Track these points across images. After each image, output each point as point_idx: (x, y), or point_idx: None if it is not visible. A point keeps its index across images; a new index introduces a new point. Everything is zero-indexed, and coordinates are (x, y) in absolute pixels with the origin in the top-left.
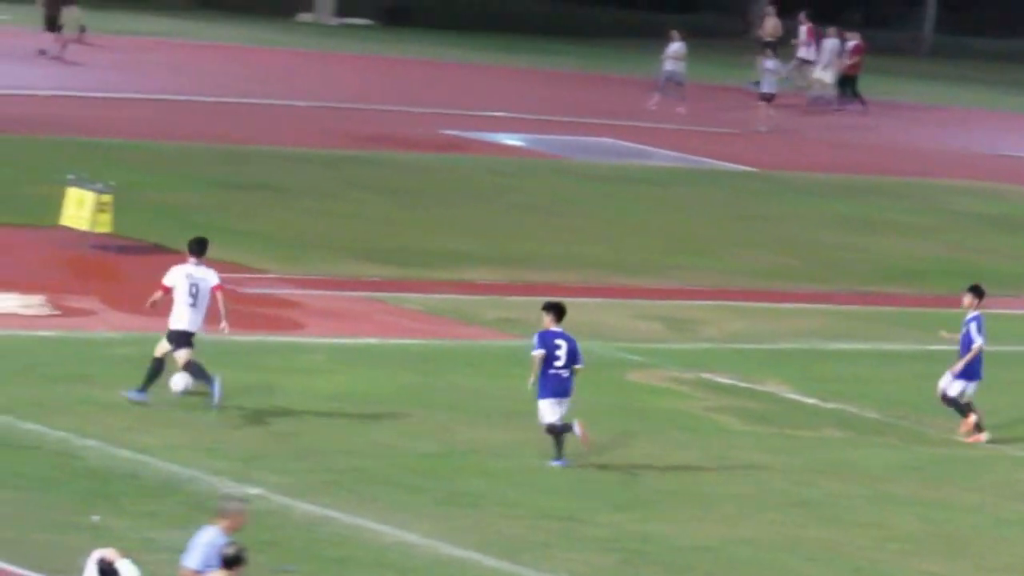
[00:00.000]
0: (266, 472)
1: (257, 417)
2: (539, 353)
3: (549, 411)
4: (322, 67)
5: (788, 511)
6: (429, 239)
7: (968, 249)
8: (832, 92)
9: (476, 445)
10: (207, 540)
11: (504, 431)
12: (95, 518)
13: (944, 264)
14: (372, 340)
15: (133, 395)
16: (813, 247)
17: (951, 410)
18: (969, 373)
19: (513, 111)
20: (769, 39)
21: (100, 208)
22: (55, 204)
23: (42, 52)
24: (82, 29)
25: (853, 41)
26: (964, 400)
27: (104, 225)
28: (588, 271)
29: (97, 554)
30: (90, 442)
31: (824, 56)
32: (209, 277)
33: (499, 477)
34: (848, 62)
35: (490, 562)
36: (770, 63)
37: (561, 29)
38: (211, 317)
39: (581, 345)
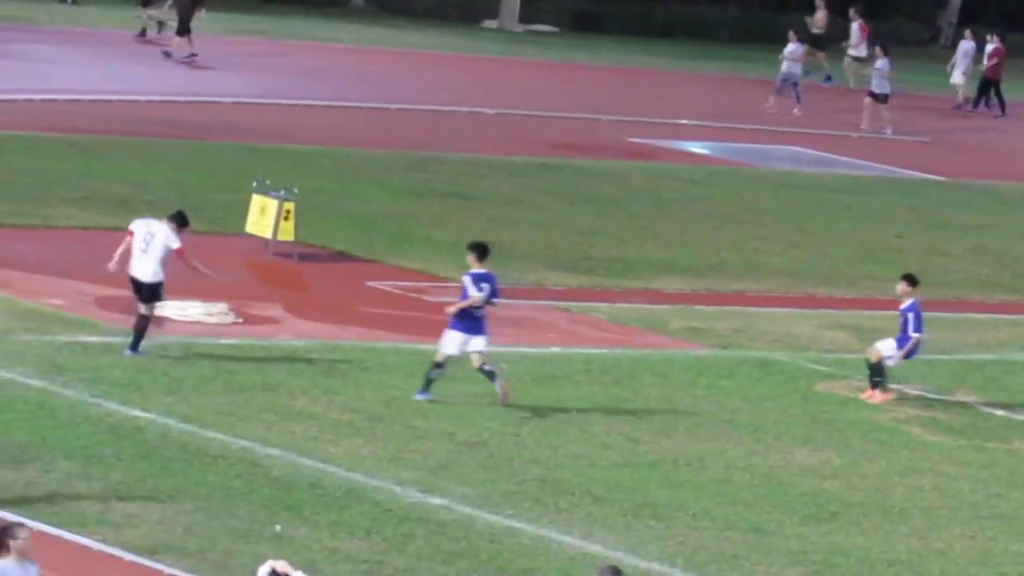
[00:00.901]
0: (451, 482)
1: (441, 427)
2: (480, 296)
3: (452, 343)
4: (508, 74)
5: (979, 524)
6: (615, 247)
7: None
8: (969, 95)
9: (662, 455)
10: None
11: (691, 441)
12: (277, 527)
13: None
14: (557, 349)
15: (129, 353)
16: (1006, 257)
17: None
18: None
19: (700, 119)
20: (818, 31)
21: (283, 216)
22: (241, 211)
23: (167, 55)
24: (159, 29)
25: (992, 44)
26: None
27: (287, 233)
28: (776, 280)
29: (269, 564)
30: (273, 451)
31: (959, 59)
32: (171, 240)
33: (685, 488)
34: (988, 64)
35: (677, 574)
36: (880, 63)
37: (750, 36)
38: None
39: (769, 356)
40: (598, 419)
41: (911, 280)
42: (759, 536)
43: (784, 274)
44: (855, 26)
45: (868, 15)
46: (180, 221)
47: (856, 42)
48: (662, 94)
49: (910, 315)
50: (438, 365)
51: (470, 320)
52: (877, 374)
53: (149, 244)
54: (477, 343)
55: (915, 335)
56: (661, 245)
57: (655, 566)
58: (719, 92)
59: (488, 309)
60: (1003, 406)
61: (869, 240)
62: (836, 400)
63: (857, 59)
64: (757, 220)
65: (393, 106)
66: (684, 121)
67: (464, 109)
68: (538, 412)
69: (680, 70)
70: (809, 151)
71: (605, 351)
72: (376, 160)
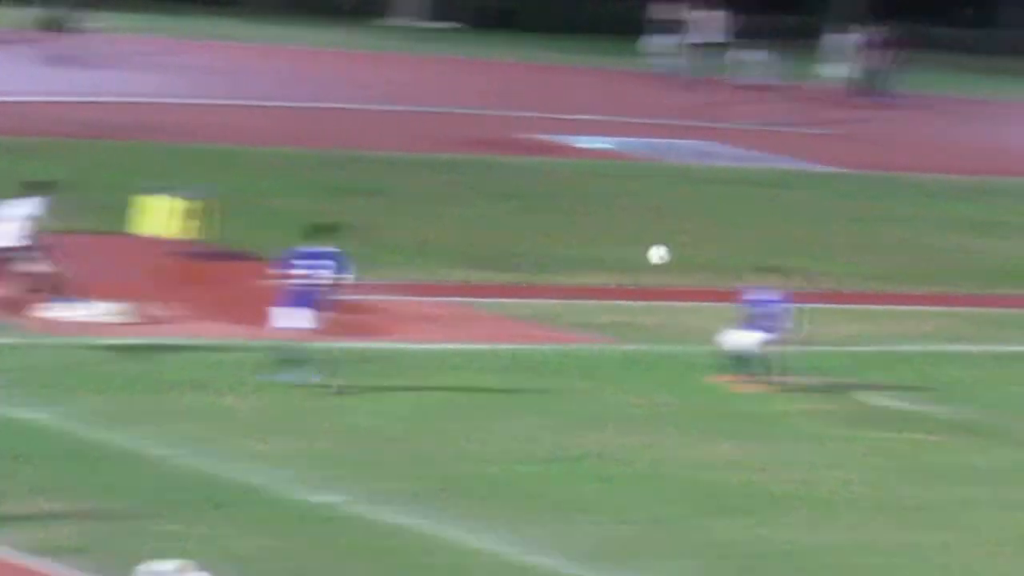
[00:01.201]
0: (365, 479)
1: (355, 424)
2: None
3: (286, 318)
4: (417, 71)
5: (879, 515)
6: (534, 243)
7: None
8: (852, 86)
9: (588, 450)
10: None
11: (617, 436)
12: (175, 527)
13: None
14: (478, 346)
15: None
16: (926, 249)
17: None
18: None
19: (609, 114)
20: (657, 20)
21: (190, 215)
22: (149, 211)
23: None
24: (58, 27)
25: (879, 36)
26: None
27: (193, 232)
28: (697, 274)
29: (167, 564)
30: (170, 450)
31: (846, 50)
32: (33, 208)
33: (612, 483)
34: (874, 55)
35: (605, 570)
36: (759, 55)
37: (664, 30)
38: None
39: (693, 350)
40: (520, 416)
41: (779, 272)
42: (685, 530)
43: (706, 268)
44: (711, 14)
45: (771, 7)
46: (39, 189)
47: (709, 28)
48: (571, 90)
49: (776, 306)
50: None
51: (295, 296)
52: (746, 363)
53: (13, 212)
54: (299, 318)
55: (779, 326)
56: (584, 241)
57: (581, 562)
58: (629, 86)
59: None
60: (921, 397)
61: (788, 234)
62: (757, 394)
63: (708, 45)
64: (680, 215)
65: (303, 104)
66: (595, 116)
67: (373, 107)
68: (458, 410)
69: (589, 66)
70: (720, 146)
71: (531, 347)
72: (288, 158)
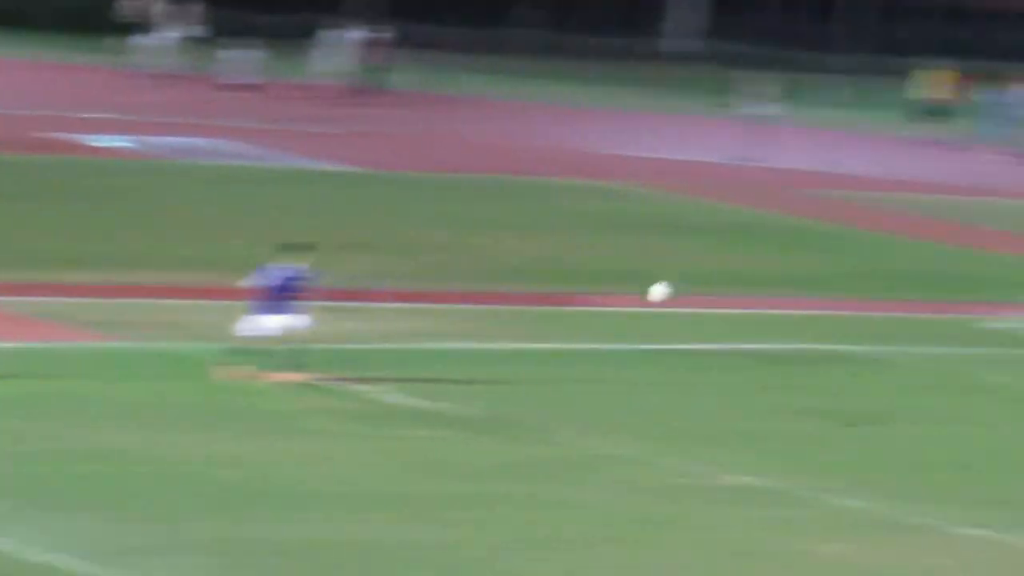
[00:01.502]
0: None
1: None
2: None
3: None
4: None
5: (396, 511)
6: (27, 241)
7: (574, 247)
8: (352, 84)
9: (94, 449)
10: None
11: (123, 434)
12: None
13: (551, 263)
14: None
15: None
16: (419, 247)
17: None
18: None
19: (117, 112)
20: (128, 19)
21: None
22: None
23: None
24: None
25: (383, 35)
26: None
27: None
28: (191, 272)
29: None
30: None
31: (344, 48)
32: None
33: (120, 480)
34: (374, 55)
35: (104, 569)
36: (250, 52)
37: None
38: None
39: (179, 346)
40: (20, 416)
41: (306, 250)
42: (200, 527)
43: (198, 266)
44: (186, 8)
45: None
46: None
47: (186, 23)
48: (78, 88)
49: (298, 284)
50: None
51: None
52: (262, 355)
53: None
54: None
55: (301, 306)
56: (74, 239)
57: (94, 560)
58: (140, 86)
59: None
60: (415, 394)
61: (282, 232)
62: (243, 389)
63: (188, 40)
64: (174, 212)
65: None
66: (102, 115)
67: None
68: None
69: (106, 65)
70: (234, 144)
71: (33, 345)
72: None
